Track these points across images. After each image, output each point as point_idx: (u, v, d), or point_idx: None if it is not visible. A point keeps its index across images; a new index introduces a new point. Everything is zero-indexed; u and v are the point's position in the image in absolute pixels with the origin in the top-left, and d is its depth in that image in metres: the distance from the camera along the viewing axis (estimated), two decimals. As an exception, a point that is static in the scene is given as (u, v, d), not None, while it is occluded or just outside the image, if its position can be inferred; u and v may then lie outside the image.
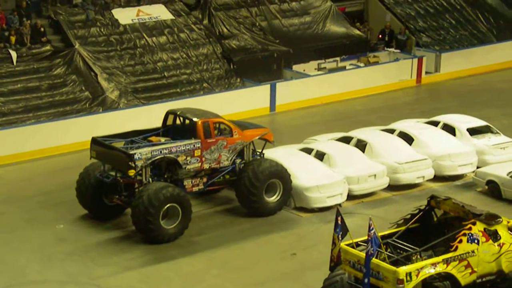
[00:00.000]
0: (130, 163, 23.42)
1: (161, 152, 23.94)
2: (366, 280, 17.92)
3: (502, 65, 42.95)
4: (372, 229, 17.80)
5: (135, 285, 21.85)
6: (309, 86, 37.11)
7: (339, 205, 26.07)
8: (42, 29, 34.00)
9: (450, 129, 29.91)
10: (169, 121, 25.75)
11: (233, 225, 25.23)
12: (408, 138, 28.96)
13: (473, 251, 18.75)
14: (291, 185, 25.54)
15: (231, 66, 37.04)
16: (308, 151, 27.66)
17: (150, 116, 32.77)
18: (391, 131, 29.53)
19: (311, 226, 25.38)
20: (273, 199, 25.42)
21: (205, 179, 25.01)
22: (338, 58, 39.80)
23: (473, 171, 28.57)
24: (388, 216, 23.70)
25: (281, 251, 23.80)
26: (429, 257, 18.78)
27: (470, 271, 18.78)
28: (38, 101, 32.37)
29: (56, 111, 32.30)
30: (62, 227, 24.92)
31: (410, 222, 19.88)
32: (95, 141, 24.70)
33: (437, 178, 28.49)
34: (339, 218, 18.61)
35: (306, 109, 36.35)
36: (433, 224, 20.04)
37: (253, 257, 23.47)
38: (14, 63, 32.77)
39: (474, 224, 18.95)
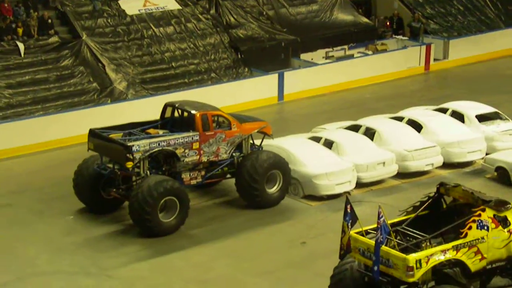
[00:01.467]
0: (128, 155, 23.24)
1: (159, 144, 23.80)
2: (375, 268, 17.91)
3: (511, 51, 42.79)
4: (382, 216, 17.78)
5: (145, 275, 21.90)
6: (317, 75, 37.05)
7: (348, 193, 26.07)
8: (49, 20, 34.02)
9: (458, 116, 29.84)
10: (168, 114, 25.58)
11: (240, 215, 25.24)
12: (416, 126, 28.91)
13: (482, 238, 18.72)
14: (290, 174, 25.48)
15: (239, 56, 37.00)
16: (316, 139, 27.64)
17: (159, 106, 32.78)
18: (400, 119, 29.49)
19: (320, 214, 25.38)
20: (274, 190, 25.34)
21: (203, 172, 24.86)
22: (346, 46, 39.73)
23: (482, 158, 28.53)
24: (397, 203, 23.68)
25: (290, 240, 23.82)
26: (439, 244, 18.76)
27: (480, 257, 18.75)
28: (46, 92, 32.42)
29: (64, 103, 32.34)
30: (72, 218, 24.97)
31: (420, 210, 19.85)
32: (92, 133, 24.51)
33: (446, 165, 28.45)
34: (348, 207, 18.60)
35: (314, 98, 36.31)
36: (443, 211, 20.00)
37: (263, 246, 23.49)
38: (22, 55, 32.81)
39: (483, 210, 18.91)
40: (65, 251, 23.04)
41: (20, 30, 33.29)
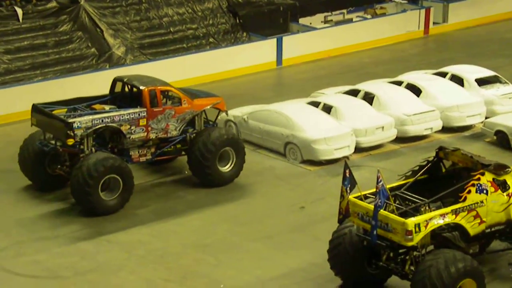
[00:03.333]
0: (68, 132, 22.58)
1: (102, 121, 23.03)
2: (374, 232, 17.98)
3: (511, 14, 42.56)
4: (380, 181, 17.81)
5: (145, 240, 21.99)
6: (316, 39, 36.91)
7: (347, 157, 26.10)
8: (47, -15, 33.84)
9: (458, 80, 29.77)
10: (118, 89, 24.70)
11: (241, 179, 25.24)
12: (416, 90, 28.85)
13: (481, 201, 18.76)
14: (244, 152, 24.84)
15: (237, 20, 36.83)
16: (315, 104, 27.60)
17: (157, 71, 32.70)
18: (399, 83, 29.42)
19: (319, 179, 25.42)
20: (226, 168, 24.62)
21: (153, 149, 24.13)
22: (344, 10, 39.54)
23: (482, 122, 28.51)
24: (396, 168, 23.69)
25: (289, 204, 23.89)
26: (438, 208, 18.81)
27: (479, 221, 18.81)
28: (44, 58, 32.33)
29: (63, 68, 32.27)
30: None
31: (419, 174, 19.87)
32: (35, 108, 23.74)
33: (446, 129, 28.44)
34: (347, 171, 18.62)
35: (313, 62, 36.20)
36: (442, 175, 20.03)
37: (262, 211, 23.56)
38: (20, 20, 32.66)
39: (482, 174, 18.94)
40: (65, 218, 23.10)
41: (18, -5, 33.16)
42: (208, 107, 24.87)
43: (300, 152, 26.21)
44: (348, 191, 18.70)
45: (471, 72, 30.32)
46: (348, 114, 27.06)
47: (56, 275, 20.39)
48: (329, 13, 39.09)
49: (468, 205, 18.64)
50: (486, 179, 18.93)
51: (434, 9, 40.33)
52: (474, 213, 18.70)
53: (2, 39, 32.05)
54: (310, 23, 38.20)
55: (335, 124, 26.52)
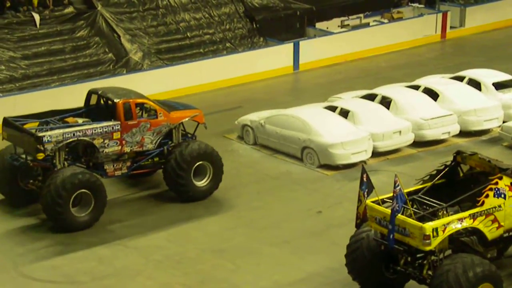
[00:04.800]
0: (38, 146, 22.08)
1: (74, 134, 22.52)
2: (391, 236, 17.92)
3: (528, 18, 42.45)
4: (398, 185, 17.75)
5: (162, 245, 22.02)
6: (333, 44, 36.88)
7: (364, 162, 26.05)
8: (64, -9, 34.00)
9: (475, 84, 29.66)
10: (93, 101, 24.15)
11: (258, 184, 25.27)
12: (433, 94, 28.78)
13: (499, 206, 18.67)
14: (222, 167, 24.20)
15: (254, 25, 36.86)
16: (332, 109, 27.58)
17: (174, 77, 32.85)
18: (416, 87, 29.36)
19: (336, 183, 25.39)
20: (202, 182, 23.99)
21: (128, 163, 23.57)
22: (361, 15, 39.48)
23: (499, 126, 28.38)
24: (414, 172, 23.65)
25: (306, 209, 23.86)
26: (456, 212, 18.74)
27: (497, 225, 18.72)
28: (62, 63, 32.46)
29: (80, 73, 32.39)
30: None
31: (436, 178, 19.80)
32: (5, 121, 23.24)
33: (463, 133, 28.35)
34: (364, 176, 18.57)
35: (329, 67, 36.17)
36: (459, 179, 19.95)
37: (279, 216, 23.54)
38: (38, 25, 32.81)
39: (500, 178, 18.84)
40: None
41: (35, 1, 33.26)
42: (186, 119, 24.25)
43: (317, 157, 26.19)
44: (366, 195, 18.66)
45: (488, 76, 30.20)
46: (365, 118, 27.02)
47: (73, 280, 20.44)
48: (346, 18, 39.04)
49: (486, 210, 18.55)
50: (504, 183, 18.83)
51: (451, 13, 40.23)
52: (492, 217, 18.62)
53: (19, 44, 32.22)
54: (327, 28, 38.18)
55: (352, 129, 26.48)
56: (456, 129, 28.11)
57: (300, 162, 26.58)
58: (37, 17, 32.83)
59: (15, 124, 23.09)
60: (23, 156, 23.16)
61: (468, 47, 39.37)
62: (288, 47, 35.83)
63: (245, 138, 28.18)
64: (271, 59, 35.14)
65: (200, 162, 23.81)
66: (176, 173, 23.59)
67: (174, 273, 20.68)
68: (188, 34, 35.37)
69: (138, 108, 23.73)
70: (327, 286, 20.07)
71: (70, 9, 33.69)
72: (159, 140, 23.74)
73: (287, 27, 37.48)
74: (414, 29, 39.17)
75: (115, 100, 23.32)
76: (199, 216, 23.48)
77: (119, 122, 23.11)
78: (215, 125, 29.59)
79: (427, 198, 19.16)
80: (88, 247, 21.91)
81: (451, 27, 40.44)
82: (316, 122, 26.48)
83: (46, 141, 22.18)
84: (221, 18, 36.40)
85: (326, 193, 24.80)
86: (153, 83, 32.02)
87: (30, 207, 23.53)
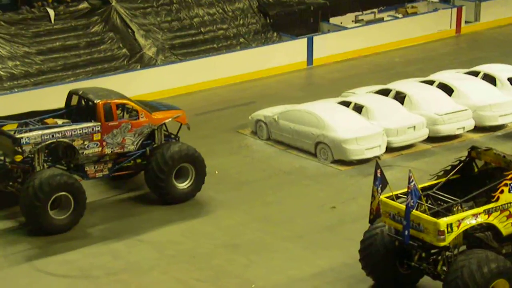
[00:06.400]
0: (16, 148, 21.77)
1: (53, 136, 22.14)
2: (406, 232, 17.88)
3: (544, 12, 42.21)
4: (412, 181, 17.72)
5: (176, 240, 22.06)
6: (347, 39, 36.80)
7: (378, 157, 25.99)
8: (78, -14, 34.07)
9: (490, 79, 29.54)
10: (74, 102, 23.71)
11: (271, 179, 25.26)
12: (447, 89, 28.68)
13: (514, 202, 18.61)
14: (204, 169, 23.87)
15: (268, 20, 36.82)
16: (346, 104, 27.53)
17: (187, 72, 32.86)
18: (431, 83, 29.27)
19: (350, 179, 25.35)
20: (184, 185, 23.64)
21: (110, 164, 23.22)
22: (375, 10, 39.37)
23: (514, 121, 28.30)
24: (428, 168, 23.57)
25: (320, 204, 23.84)
26: (470, 208, 18.67)
27: None
28: (76, 59, 32.55)
29: (94, 69, 32.46)
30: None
31: (451, 174, 19.73)
32: None
33: (478, 128, 28.25)
34: (378, 171, 18.55)
35: (343, 62, 36.11)
36: (474, 175, 19.88)
37: (292, 211, 23.54)
38: (52, 21, 32.90)
39: (515, 174, 18.78)
40: (99, 217, 23.26)
41: (50, -3, 33.40)
42: (168, 120, 23.88)
43: (331, 152, 26.15)
44: (380, 191, 18.64)
45: (503, 71, 30.07)
46: (379, 113, 26.96)
47: (88, 274, 20.51)
48: (360, 13, 38.95)
49: (501, 205, 18.48)
50: (519, 178, 18.75)
51: (466, 8, 40.04)
52: (507, 213, 18.54)
53: (34, 40, 32.32)
54: (341, 23, 38.10)
55: (366, 124, 26.43)
56: (471, 124, 28.01)
57: (314, 158, 26.55)
58: (51, 12, 32.91)
59: None
60: (1, 158, 22.88)
61: (483, 42, 39.20)
62: (302, 42, 35.78)
63: (259, 133, 28.18)
64: (284, 54, 35.10)
65: (182, 164, 23.48)
66: (156, 176, 23.24)
67: (188, 268, 20.72)
68: (202, 30, 35.38)
69: (120, 109, 23.37)
70: (341, 282, 20.06)
71: (84, 5, 33.76)
72: (140, 141, 23.42)
73: (301, 22, 37.42)
74: (429, 24, 39.02)
75: (95, 101, 22.94)
76: (212, 211, 23.50)
77: (99, 123, 22.76)
78: (229, 120, 29.66)
79: (442, 193, 19.10)
80: (102, 241, 21.97)
81: (466, 22, 40.25)
82: (330, 117, 26.44)
83: (24, 142, 21.85)
84: (234, 13, 36.39)
85: (339, 189, 24.78)
86: (166, 78, 32.07)
87: (9, 210, 23.16)
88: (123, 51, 33.41)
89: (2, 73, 31.00)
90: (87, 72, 32.22)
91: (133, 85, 30.91)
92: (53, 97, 30.13)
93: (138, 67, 32.98)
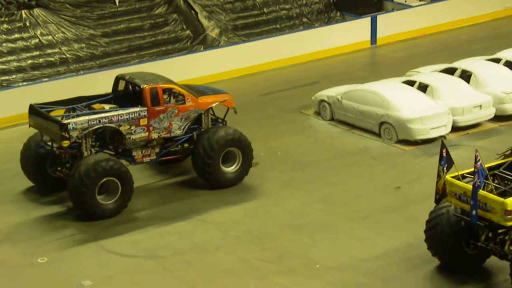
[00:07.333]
0: (63, 133, 21.74)
1: (99, 121, 22.11)
2: (474, 212, 17.71)
3: None
4: (479, 160, 17.51)
5: (240, 220, 22.17)
6: (411, 17, 36.41)
7: (443, 137, 25.73)
8: (142, -31, 34.29)
9: (559, 56, 28.96)
10: (121, 87, 23.68)
11: (335, 159, 25.18)
12: (515, 67, 28.22)
13: None
14: (251, 153, 23.64)
15: (331, 0, 36.60)
16: (411, 83, 27.28)
17: (250, 53, 32.88)
18: (497, 61, 28.81)
19: (414, 159, 25.16)
20: (231, 169, 23.48)
21: (157, 149, 23.13)
22: (440, -13, 38.85)
23: None
24: (495, 147, 23.26)
25: (384, 184, 23.72)
26: (538, 188, 18.41)
27: None
28: (140, 41, 32.82)
29: (158, 50, 32.70)
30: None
31: (518, 153, 19.46)
32: (31, 109, 22.91)
33: (546, 107, 27.75)
34: (444, 151, 18.36)
35: (408, 41, 35.74)
36: (542, 154, 19.58)
37: (356, 191, 23.47)
38: (117, 3, 33.21)
39: None
40: (164, 197, 23.49)
41: (114, -21, 33.68)
42: (215, 104, 23.72)
43: (395, 132, 25.97)
44: (445, 170, 18.45)
45: None
46: (444, 92, 26.66)
47: (154, 254, 20.74)
48: (424, -9, 38.53)
49: None
50: None
51: (534, -16, 39.26)
52: None
53: (99, 22, 32.68)
54: (405, 1, 37.70)
55: (431, 103, 26.17)
56: (538, 102, 27.54)
57: (378, 138, 26.40)
58: (116, -5, 33.26)
59: (40, 111, 22.77)
60: (49, 143, 22.90)
61: (551, 18, 38.43)
62: (366, 21, 35.50)
63: (322, 114, 28.10)
64: (348, 34, 34.87)
65: (229, 149, 23.37)
66: (203, 160, 23.17)
67: (253, 248, 20.82)
68: (265, 10, 35.33)
69: (166, 93, 23.26)
70: (406, 262, 19.95)
71: (148, -13, 34.02)
72: (187, 126, 23.32)
73: (364, 1, 37.13)
74: (495, 1, 38.35)
75: (141, 86, 22.88)
76: (276, 192, 23.54)
77: (146, 108, 22.70)
78: (292, 100, 29.62)
79: (509, 173, 18.85)
80: (167, 222, 22.20)
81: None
82: (394, 97, 26.23)
83: (71, 128, 21.85)
84: (297, -7, 36.26)
85: (404, 169, 24.60)
86: (230, 59, 32.14)
87: (57, 195, 23.29)
88: (186, 33, 33.58)
89: (68, 55, 31.46)
90: (151, 54, 32.48)
91: (196, 66, 31.08)
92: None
93: (202, 48, 33.12)
